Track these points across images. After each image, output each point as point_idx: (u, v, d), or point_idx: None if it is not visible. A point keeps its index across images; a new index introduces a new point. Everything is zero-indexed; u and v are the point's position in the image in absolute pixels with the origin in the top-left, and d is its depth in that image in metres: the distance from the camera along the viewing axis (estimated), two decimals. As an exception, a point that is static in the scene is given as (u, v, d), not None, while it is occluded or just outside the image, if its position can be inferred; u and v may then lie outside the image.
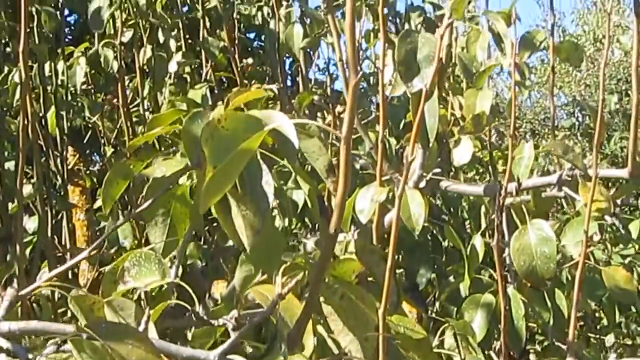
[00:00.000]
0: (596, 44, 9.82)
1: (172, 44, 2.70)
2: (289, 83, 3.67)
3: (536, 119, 7.18)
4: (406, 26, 2.80)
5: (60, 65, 2.96)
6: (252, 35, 4.95)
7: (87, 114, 3.03)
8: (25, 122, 2.07)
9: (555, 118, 2.43)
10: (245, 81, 3.31)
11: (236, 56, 2.94)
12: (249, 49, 4.66)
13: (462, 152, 1.91)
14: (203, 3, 3.18)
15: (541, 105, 7.52)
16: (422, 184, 1.90)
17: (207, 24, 3.22)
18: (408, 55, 1.69)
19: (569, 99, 7.76)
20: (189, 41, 3.34)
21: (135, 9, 2.35)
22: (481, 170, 3.67)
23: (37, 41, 2.57)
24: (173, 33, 3.00)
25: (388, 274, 1.16)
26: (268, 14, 3.75)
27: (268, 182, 1.20)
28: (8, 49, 2.73)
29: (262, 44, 5.56)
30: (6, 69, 2.63)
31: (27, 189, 2.38)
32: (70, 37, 3.96)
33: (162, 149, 2.46)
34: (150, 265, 1.22)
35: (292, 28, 2.44)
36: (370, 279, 1.36)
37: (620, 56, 7.11)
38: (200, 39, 3.00)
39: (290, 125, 1.18)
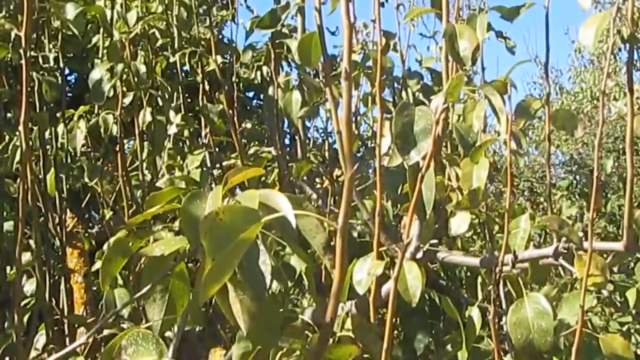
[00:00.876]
0: (593, 102, 9.90)
1: (172, 113, 2.71)
2: (287, 140, 3.70)
3: (534, 177, 7.20)
4: (404, 94, 2.82)
5: (60, 128, 2.98)
6: (250, 94, 5.01)
7: (86, 178, 3.04)
8: (25, 188, 2.08)
9: (551, 183, 2.44)
10: (244, 140, 3.35)
11: (235, 120, 2.96)
12: (248, 107, 4.71)
13: (459, 222, 1.93)
14: (202, 66, 3.22)
15: (539, 163, 7.55)
16: (419, 255, 1.91)
17: (207, 87, 3.27)
18: (405, 128, 1.71)
19: (566, 157, 7.80)
20: (188, 99, 3.38)
21: (135, 78, 2.37)
22: (479, 230, 3.67)
23: (37, 108, 2.60)
24: (172, 94, 3.05)
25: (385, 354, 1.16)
26: (267, 73, 3.80)
27: (265, 262, 1.21)
28: (9, 115, 2.75)
29: (261, 102, 5.62)
30: (7, 137, 2.64)
31: (26, 257, 2.38)
32: (69, 95, 4.00)
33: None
34: (148, 345, 1.23)
35: (290, 95, 2.47)
36: (366, 355, 1.37)
37: (617, 115, 7.15)
38: (200, 100, 3.04)
39: (289, 207, 1.20)
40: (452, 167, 1.99)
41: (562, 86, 11.02)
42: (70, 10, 1.98)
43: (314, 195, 2.63)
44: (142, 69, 2.39)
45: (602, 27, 1.67)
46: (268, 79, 4.12)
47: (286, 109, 2.48)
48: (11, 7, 2.69)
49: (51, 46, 2.88)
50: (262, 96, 5.74)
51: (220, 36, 4.54)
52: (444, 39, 1.77)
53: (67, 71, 3.84)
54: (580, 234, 1.81)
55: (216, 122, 2.78)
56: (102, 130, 2.58)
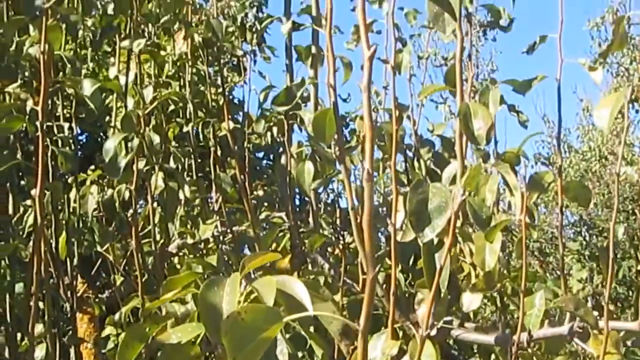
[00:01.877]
0: (602, 161, 9.90)
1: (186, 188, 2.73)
2: (297, 201, 3.71)
3: (543, 237, 7.19)
4: (416, 163, 2.84)
5: (72, 193, 3.00)
6: (260, 154, 5.04)
7: (97, 242, 3.05)
8: (39, 262, 2.10)
9: (563, 247, 2.44)
10: (254, 201, 3.36)
11: (246, 186, 2.98)
12: (257, 167, 4.73)
13: (472, 299, 1.92)
14: (214, 131, 3.24)
15: (548, 223, 7.55)
16: (434, 332, 1.90)
17: (218, 151, 3.29)
18: (419, 206, 1.71)
19: (575, 217, 7.79)
20: (199, 160, 3.41)
21: (149, 147, 2.39)
22: (489, 295, 3.66)
23: (51, 176, 2.61)
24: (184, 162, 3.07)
25: None
26: (278, 135, 3.82)
27: (282, 351, 1.21)
28: (22, 182, 2.76)
29: (271, 162, 5.64)
30: (21, 209, 2.66)
31: (38, 328, 2.38)
32: (80, 154, 4.03)
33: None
34: None
35: (303, 165, 2.48)
36: None
37: (625, 175, 7.15)
38: (211, 166, 3.06)
39: (306, 295, 1.20)
40: (465, 243, 1.99)
41: (571, 145, 11.02)
42: (88, 87, 2.00)
43: (326, 265, 2.63)
44: (156, 139, 2.41)
45: (617, 109, 1.68)
46: (278, 139, 4.15)
47: (298, 179, 2.48)
48: (26, 74, 2.72)
49: (65, 112, 2.91)
50: (271, 156, 5.77)
51: (231, 96, 4.59)
52: (458, 118, 1.78)
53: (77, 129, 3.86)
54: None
55: (229, 192, 2.79)
56: (117, 204, 2.59)
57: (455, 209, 1.27)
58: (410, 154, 3.12)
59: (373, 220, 1.09)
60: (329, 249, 2.89)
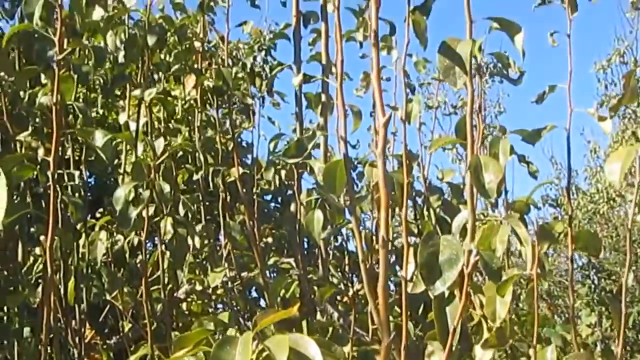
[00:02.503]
0: (610, 202, 9.87)
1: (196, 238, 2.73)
2: (305, 244, 3.71)
3: (551, 280, 7.15)
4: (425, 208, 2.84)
5: (82, 240, 3.00)
6: (268, 197, 5.04)
7: (106, 289, 3.04)
8: (48, 316, 2.09)
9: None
10: (263, 244, 3.36)
11: (255, 233, 2.98)
12: (265, 209, 4.72)
13: (484, 353, 1.91)
14: (224, 177, 3.25)
15: (556, 265, 7.51)
16: (445, 386, 1.88)
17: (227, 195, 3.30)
18: (430, 259, 1.71)
19: (584, 260, 7.75)
20: (207, 202, 3.41)
21: (159, 196, 2.40)
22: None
23: (60, 222, 2.62)
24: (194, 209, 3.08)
25: None
26: (286, 177, 3.83)
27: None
28: (32, 229, 2.77)
29: (279, 205, 5.63)
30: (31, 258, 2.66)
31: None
32: (89, 197, 4.03)
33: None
34: None
35: (312, 214, 2.48)
36: None
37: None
38: (220, 211, 3.07)
39: (318, 353, 1.19)
40: (475, 295, 1.98)
41: (578, 186, 11.00)
42: (99, 138, 2.01)
43: (335, 314, 2.62)
44: (167, 188, 2.41)
45: (628, 163, 1.68)
46: (286, 182, 4.16)
47: (308, 227, 2.48)
48: (37, 120, 2.74)
49: (74, 155, 2.92)
50: (280, 199, 5.77)
51: (239, 139, 4.60)
52: (469, 171, 1.78)
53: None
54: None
55: (238, 240, 2.79)
56: (127, 255, 2.59)
57: (468, 270, 1.27)
58: (419, 200, 3.12)
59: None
60: (338, 297, 2.88)
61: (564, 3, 2.47)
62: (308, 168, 2.62)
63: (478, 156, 1.80)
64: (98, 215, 4.70)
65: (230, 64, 3.71)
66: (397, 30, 3.01)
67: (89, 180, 4.72)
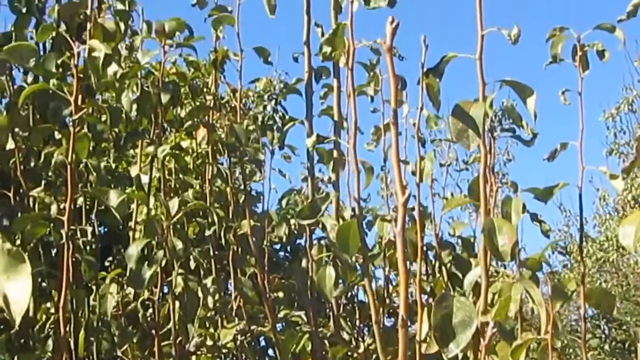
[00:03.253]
0: (619, 250, 9.84)
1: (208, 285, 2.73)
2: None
3: (565, 337, 7.11)
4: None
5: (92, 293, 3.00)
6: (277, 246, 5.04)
7: (116, 343, 3.03)
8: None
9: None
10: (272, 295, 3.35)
11: (266, 285, 2.99)
12: (274, 258, 4.72)
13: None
14: (235, 230, 3.25)
15: (567, 317, 7.48)
16: None
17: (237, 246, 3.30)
18: (443, 320, 1.70)
19: (594, 310, 7.73)
20: (216, 252, 3.41)
21: (171, 253, 2.40)
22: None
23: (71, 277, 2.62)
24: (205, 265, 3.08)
25: None
26: (295, 227, 3.83)
27: None
28: (44, 284, 2.77)
29: (288, 254, 5.63)
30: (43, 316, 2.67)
31: None
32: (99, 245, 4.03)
33: None
34: None
35: (324, 270, 2.47)
36: None
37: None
38: (231, 269, 3.07)
39: None
40: (489, 356, 1.97)
41: (588, 234, 10.98)
42: (114, 198, 2.02)
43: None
44: (179, 245, 2.42)
45: (642, 228, 1.68)
46: (295, 232, 4.16)
47: (319, 284, 2.48)
48: (49, 174, 2.76)
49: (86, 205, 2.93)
50: (289, 248, 5.76)
51: (249, 188, 4.61)
52: (483, 234, 1.78)
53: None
54: None
55: (250, 296, 2.79)
56: (139, 315, 2.59)
57: (485, 342, 1.26)
58: (430, 253, 3.12)
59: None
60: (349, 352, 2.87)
61: (575, 62, 2.49)
62: (320, 225, 2.62)
63: (492, 219, 1.80)
64: (107, 263, 4.71)
65: (242, 113, 3.73)
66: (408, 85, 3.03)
67: (100, 228, 4.73)
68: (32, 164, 2.54)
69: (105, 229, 5.01)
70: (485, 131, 1.82)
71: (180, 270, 2.96)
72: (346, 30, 2.15)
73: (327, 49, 2.09)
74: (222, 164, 3.71)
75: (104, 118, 2.63)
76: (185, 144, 3.52)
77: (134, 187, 3.15)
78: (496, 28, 1.86)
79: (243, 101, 5.04)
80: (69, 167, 1.99)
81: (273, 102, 5.94)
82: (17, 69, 3.10)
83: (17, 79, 3.02)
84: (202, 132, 3.25)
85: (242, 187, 3.32)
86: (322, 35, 2.92)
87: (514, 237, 1.77)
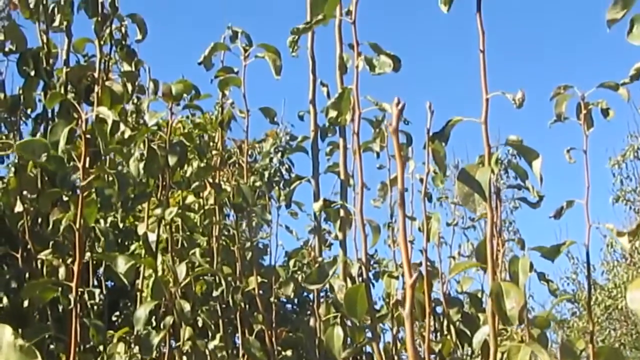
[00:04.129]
0: (628, 298, 9.76)
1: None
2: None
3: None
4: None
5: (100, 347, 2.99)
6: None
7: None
8: None
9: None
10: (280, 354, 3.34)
11: (274, 343, 2.98)
12: (281, 311, 4.71)
13: None
14: (242, 290, 3.25)
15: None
16: None
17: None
18: (453, 385, 1.70)
19: None
20: (223, 305, 3.40)
21: (179, 314, 2.40)
22: None
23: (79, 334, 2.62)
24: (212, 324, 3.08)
25: None
26: (302, 265, 3.83)
27: None
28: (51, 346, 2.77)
29: (296, 307, 5.61)
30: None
31: None
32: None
33: None
34: None
35: (332, 330, 2.47)
36: None
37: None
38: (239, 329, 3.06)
39: None
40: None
41: (596, 281, 10.94)
42: (122, 264, 2.03)
43: None
44: (187, 307, 2.42)
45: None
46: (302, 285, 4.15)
47: (328, 344, 2.47)
48: (58, 236, 2.76)
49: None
50: (297, 300, 5.75)
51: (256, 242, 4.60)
52: (491, 298, 1.78)
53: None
54: None
55: (257, 356, 2.78)
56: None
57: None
58: (438, 309, 3.11)
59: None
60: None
61: (580, 120, 2.50)
62: (328, 285, 2.62)
63: (499, 283, 1.80)
64: (115, 317, 4.70)
65: (248, 167, 3.74)
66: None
67: (107, 282, 4.73)
68: (40, 227, 2.55)
69: (113, 283, 5.01)
70: (491, 194, 1.82)
71: (189, 329, 2.96)
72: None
73: (333, 114, 2.11)
74: (228, 215, 3.73)
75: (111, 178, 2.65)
76: (191, 198, 3.53)
77: (140, 243, 3.17)
78: (500, 92, 1.88)
79: (249, 152, 5.06)
80: (77, 233, 2.00)
81: (279, 154, 5.97)
82: (24, 123, 3.14)
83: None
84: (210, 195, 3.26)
85: (248, 242, 3.32)
86: (328, 95, 2.95)
87: (522, 300, 1.77)
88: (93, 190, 2.21)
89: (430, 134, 1.91)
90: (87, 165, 2.08)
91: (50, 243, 2.63)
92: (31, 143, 2.07)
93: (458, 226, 3.34)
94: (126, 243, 4.70)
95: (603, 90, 2.53)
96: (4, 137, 3.25)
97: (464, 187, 1.80)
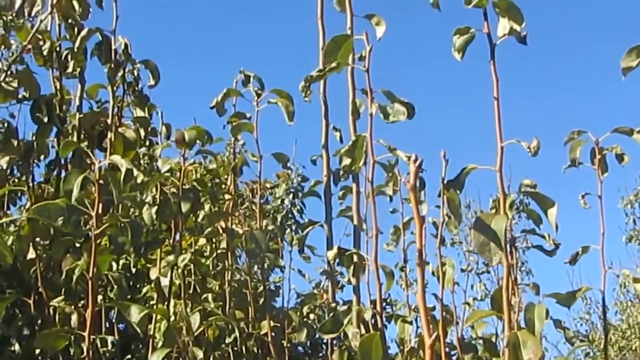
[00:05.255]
0: (642, 337, 9.72)
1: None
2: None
3: None
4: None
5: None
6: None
7: None
8: None
9: None
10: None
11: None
12: (293, 354, 4.67)
13: None
14: (255, 336, 3.23)
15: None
16: None
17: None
18: None
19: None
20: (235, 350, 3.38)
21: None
22: None
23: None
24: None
25: None
26: (314, 307, 3.80)
27: None
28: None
29: (309, 351, 5.56)
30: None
31: None
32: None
33: None
34: None
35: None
36: None
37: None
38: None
39: None
40: None
41: (609, 322, 10.85)
42: (135, 313, 2.02)
43: None
44: (199, 354, 2.40)
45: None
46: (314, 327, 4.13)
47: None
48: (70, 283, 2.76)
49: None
50: (309, 343, 5.71)
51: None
52: (507, 348, 1.76)
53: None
54: None
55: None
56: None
57: None
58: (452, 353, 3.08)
59: None
60: None
61: (594, 165, 2.50)
62: (342, 333, 2.60)
63: (516, 333, 1.78)
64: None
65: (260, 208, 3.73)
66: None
67: (119, 325, 4.72)
68: (53, 274, 2.54)
69: (124, 325, 4.99)
70: (507, 243, 1.81)
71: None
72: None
73: (347, 161, 2.10)
74: (240, 256, 3.72)
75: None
76: (202, 241, 3.52)
77: (152, 286, 3.15)
78: (516, 140, 1.87)
79: (261, 193, 5.05)
80: (90, 282, 1.99)
81: (291, 195, 5.94)
82: (37, 166, 3.14)
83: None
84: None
85: (261, 286, 3.31)
86: (341, 139, 2.95)
87: (539, 352, 1.75)
88: (106, 237, 2.21)
89: (445, 181, 1.89)
90: (100, 212, 2.07)
91: (63, 289, 2.62)
92: (47, 207, 2.06)
93: (472, 272, 3.32)
94: (138, 286, 4.69)
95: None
96: (16, 180, 3.25)
97: (480, 236, 1.78)
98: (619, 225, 11.52)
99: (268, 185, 6.90)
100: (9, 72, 2.90)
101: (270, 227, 3.79)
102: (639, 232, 10.98)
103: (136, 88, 3.18)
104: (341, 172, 2.12)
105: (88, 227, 2.20)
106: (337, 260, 2.97)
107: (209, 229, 2.92)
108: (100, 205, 2.16)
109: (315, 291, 4.77)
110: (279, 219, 3.73)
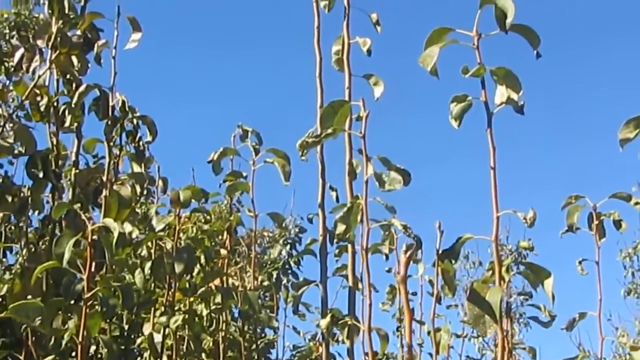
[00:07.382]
0: (641, 393, 9.58)
1: None
2: None
3: None
4: None
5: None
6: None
7: None
8: None
9: None
10: None
11: None
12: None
13: None
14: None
15: None
16: None
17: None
18: None
19: None
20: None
21: None
22: None
23: None
24: None
25: None
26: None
27: None
28: None
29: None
30: None
31: None
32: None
33: None
34: None
35: None
36: None
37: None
38: None
39: None
40: None
41: (610, 373, 10.74)
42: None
43: None
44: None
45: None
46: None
47: None
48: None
49: None
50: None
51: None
52: None
53: None
54: None
55: None
56: None
57: None
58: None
59: None
60: None
61: (592, 230, 2.48)
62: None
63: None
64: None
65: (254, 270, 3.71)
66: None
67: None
68: (44, 334, 2.51)
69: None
70: (502, 315, 1.79)
71: None
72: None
73: (341, 228, 2.09)
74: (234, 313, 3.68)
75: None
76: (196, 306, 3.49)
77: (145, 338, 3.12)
78: (512, 210, 1.85)
79: (259, 241, 5.02)
80: (79, 346, 1.96)
81: (288, 246, 5.92)
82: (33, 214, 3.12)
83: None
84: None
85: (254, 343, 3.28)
86: (337, 199, 2.93)
87: None
88: (97, 299, 2.18)
89: (440, 252, 1.88)
90: (92, 277, 2.05)
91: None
92: (25, 306, 2.04)
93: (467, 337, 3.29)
94: (132, 336, 4.66)
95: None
96: (13, 228, 3.23)
97: (475, 308, 1.76)
98: (617, 278, 11.46)
99: (266, 234, 6.89)
100: (6, 127, 2.89)
101: (265, 283, 3.77)
102: (637, 285, 10.92)
103: (135, 138, 3.17)
104: (335, 240, 2.10)
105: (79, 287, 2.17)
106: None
107: (203, 289, 2.89)
108: (93, 265, 2.13)
109: (311, 343, 4.73)
110: (274, 276, 3.70)
